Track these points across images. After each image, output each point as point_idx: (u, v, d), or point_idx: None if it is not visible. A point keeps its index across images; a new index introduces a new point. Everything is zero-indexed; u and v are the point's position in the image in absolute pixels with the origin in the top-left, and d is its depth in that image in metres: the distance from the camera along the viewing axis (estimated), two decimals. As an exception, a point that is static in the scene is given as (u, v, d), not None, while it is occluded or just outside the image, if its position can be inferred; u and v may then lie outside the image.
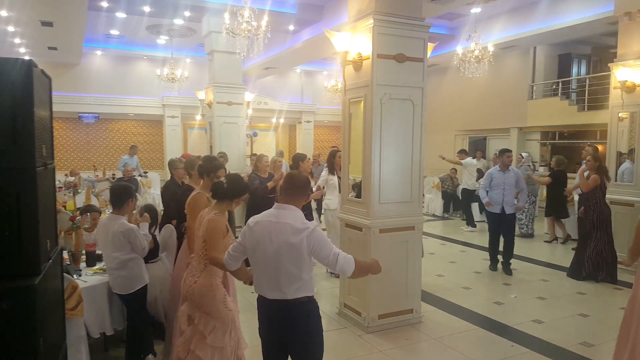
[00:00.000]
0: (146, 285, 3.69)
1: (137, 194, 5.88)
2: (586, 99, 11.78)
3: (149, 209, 4.19)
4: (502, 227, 6.79)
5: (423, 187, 5.41)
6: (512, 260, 6.87)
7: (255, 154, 7.74)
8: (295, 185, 2.62)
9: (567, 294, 5.82)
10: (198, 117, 15.22)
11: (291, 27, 10.95)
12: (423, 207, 10.41)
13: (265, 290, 2.56)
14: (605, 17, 8.45)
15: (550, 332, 4.61)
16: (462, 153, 11.02)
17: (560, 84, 12.59)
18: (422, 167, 4.67)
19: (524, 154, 10.15)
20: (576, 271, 6.42)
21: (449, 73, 13.28)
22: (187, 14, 10.04)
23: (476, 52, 9.16)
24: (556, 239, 8.79)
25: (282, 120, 17.44)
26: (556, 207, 8.53)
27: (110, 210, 3.86)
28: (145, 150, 15.99)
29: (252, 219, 2.63)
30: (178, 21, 10.81)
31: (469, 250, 8.19)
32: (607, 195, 6.96)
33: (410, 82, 4.51)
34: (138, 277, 3.61)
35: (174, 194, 4.85)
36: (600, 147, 11.85)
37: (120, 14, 10.42)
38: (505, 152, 6.90)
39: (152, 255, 3.98)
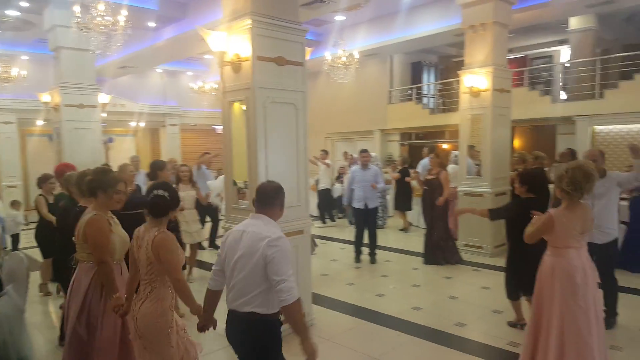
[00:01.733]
0: None
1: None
2: (437, 103, 13.15)
3: None
4: (367, 221, 7.28)
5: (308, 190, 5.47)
6: (383, 252, 7.44)
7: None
8: (265, 195, 2.57)
9: (437, 280, 6.39)
10: (39, 123, 13.36)
11: (152, 24, 10.24)
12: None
13: (235, 304, 2.49)
14: (452, 30, 9.49)
15: (428, 317, 5.00)
16: (324, 153, 11.52)
17: (414, 89, 13.85)
18: (307, 170, 4.70)
19: (372, 154, 11.06)
20: (428, 257, 7.17)
21: (318, 78, 13.72)
22: (24, 4, 8.75)
23: (344, 59, 9.59)
24: (409, 224, 9.88)
25: (142, 124, 16.25)
26: (403, 200, 9.67)
27: None
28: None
29: (227, 231, 2.67)
30: (12, 12, 9.36)
31: (347, 247, 8.53)
32: (460, 188, 7.90)
33: (291, 86, 4.51)
34: None
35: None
36: (449, 146, 13.33)
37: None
38: (363, 152, 7.49)
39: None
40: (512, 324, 4.68)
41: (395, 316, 5.02)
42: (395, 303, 5.46)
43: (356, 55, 9.37)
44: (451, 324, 4.77)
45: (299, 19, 4.65)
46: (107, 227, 3.12)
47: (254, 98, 4.23)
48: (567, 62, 12.07)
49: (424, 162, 9.18)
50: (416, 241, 8.19)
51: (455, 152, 9.68)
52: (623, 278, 4.82)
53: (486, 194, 7.48)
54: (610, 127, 9.84)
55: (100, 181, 3.20)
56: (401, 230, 9.86)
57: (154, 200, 2.72)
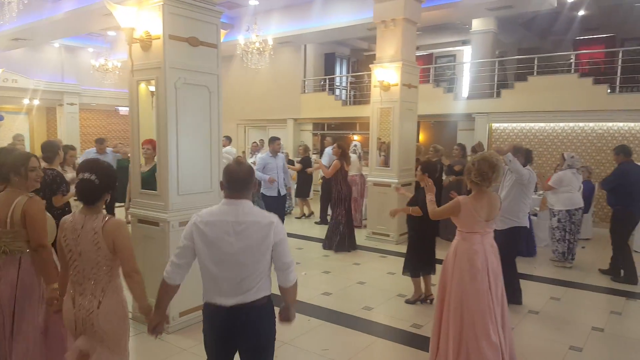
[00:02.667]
0: None
1: None
2: (349, 95, 13.47)
3: None
4: (277, 208, 7.30)
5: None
6: (294, 240, 7.63)
7: None
8: (240, 178, 2.36)
9: (346, 266, 6.61)
10: None
11: (49, -6, 9.32)
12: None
13: (221, 298, 2.32)
14: (365, 23, 9.75)
15: (338, 301, 5.16)
16: (227, 139, 11.43)
17: (327, 80, 14.06)
18: (220, 156, 4.59)
19: (258, 142, 11.69)
20: (327, 242, 7.49)
21: (231, 62, 13.38)
22: None
23: (257, 44, 9.44)
24: (304, 215, 10.19)
25: (37, 102, 14.77)
26: (304, 188, 10.02)
27: None
28: None
29: (198, 218, 2.34)
30: None
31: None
32: (369, 178, 8.22)
33: (205, 68, 4.36)
34: None
35: None
36: (359, 137, 13.76)
37: None
38: (275, 139, 7.46)
39: None
40: (410, 302, 5.06)
41: (306, 302, 5.10)
42: (306, 289, 5.54)
43: (270, 42, 9.27)
44: (359, 308, 4.96)
45: (214, 0, 4.49)
46: (44, 209, 2.87)
47: (165, 78, 4.04)
48: (468, 62, 12.98)
49: (328, 151, 9.60)
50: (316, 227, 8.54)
51: (355, 142, 10.17)
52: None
53: (393, 184, 7.83)
54: (506, 124, 10.77)
55: (7, 164, 2.84)
56: (298, 218, 10.13)
57: (81, 186, 2.40)
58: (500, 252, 3.61)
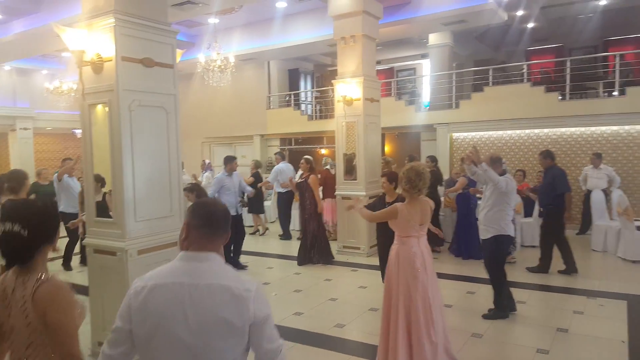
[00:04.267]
0: None
1: None
2: (315, 110, 13.51)
3: None
4: (236, 226, 7.15)
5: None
6: (264, 259, 7.64)
7: None
8: (215, 220, 1.67)
9: (318, 283, 6.51)
10: None
11: (-3, 16, 8.98)
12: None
13: None
14: (326, 40, 9.83)
15: (310, 321, 5.06)
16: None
17: (292, 96, 14.07)
18: (180, 178, 4.45)
19: (207, 160, 11.74)
20: (301, 258, 7.42)
21: (194, 80, 13.21)
22: None
23: (218, 62, 9.35)
24: (258, 231, 10.10)
25: (-14, 128, 14.16)
26: (256, 203, 9.84)
27: None
28: None
29: (138, 283, 1.61)
30: None
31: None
32: (337, 192, 8.20)
33: (161, 89, 4.25)
34: None
35: None
36: (327, 151, 13.78)
37: None
38: (232, 159, 7.42)
39: None
40: None
41: (277, 324, 4.93)
42: (277, 310, 5.40)
43: (232, 59, 9.20)
44: (331, 326, 4.87)
45: (169, 20, 4.41)
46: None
47: (118, 101, 3.91)
48: (428, 75, 13.26)
49: (279, 168, 9.57)
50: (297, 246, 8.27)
51: (325, 157, 10.27)
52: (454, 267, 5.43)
53: (361, 197, 7.82)
54: (465, 134, 11.01)
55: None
56: (252, 234, 9.97)
57: (3, 241, 1.73)
58: (486, 261, 3.99)
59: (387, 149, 14.51)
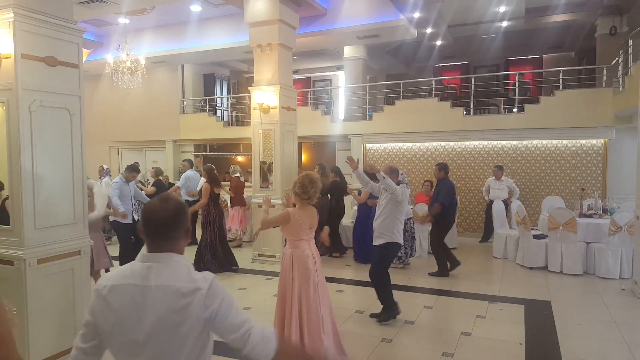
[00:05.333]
0: None
1: None
2: (231, 116, 13.37)
3: None
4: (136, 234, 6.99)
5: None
6: None
7: None
8: (160, 221, 1.63)
9: (231, 292, 6.43)
10: None
11: None
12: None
13: None
14: (243, 46, 9.83)
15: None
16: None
17: (207, 101, 13.83)
18: (85, 183, 4.24)
19: (105, 166, 11.59)
20: (197, 265, 7.23)
21: (102, 81, 12.49)
22: None
23: (128, 64, 8.99)
24: None
25: None
26: None
27: None
28: None
29: (102, 281, 1.64)
30: None
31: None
32: (253, 200, 8.21)
33: (65, 89, 4.04)
34: None
35: None
36: (243, 158, 13.72)
37: None
38: (136, 170, 7.22)
39: None
40: None
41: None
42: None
43: (142, 61, 8.89)
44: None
45: (75, 18, 4.21)
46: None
47: (17, 100, 3.66)
48: (343, 86, 13.72)
49: (187, 175, 9.51)
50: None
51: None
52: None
53: (277, 204, 7.91)
54: (378, 144, 11.51)
55: None
56: None
57: None
58: (373, 265, 4.44)
59: (303, 157, 14.76)
